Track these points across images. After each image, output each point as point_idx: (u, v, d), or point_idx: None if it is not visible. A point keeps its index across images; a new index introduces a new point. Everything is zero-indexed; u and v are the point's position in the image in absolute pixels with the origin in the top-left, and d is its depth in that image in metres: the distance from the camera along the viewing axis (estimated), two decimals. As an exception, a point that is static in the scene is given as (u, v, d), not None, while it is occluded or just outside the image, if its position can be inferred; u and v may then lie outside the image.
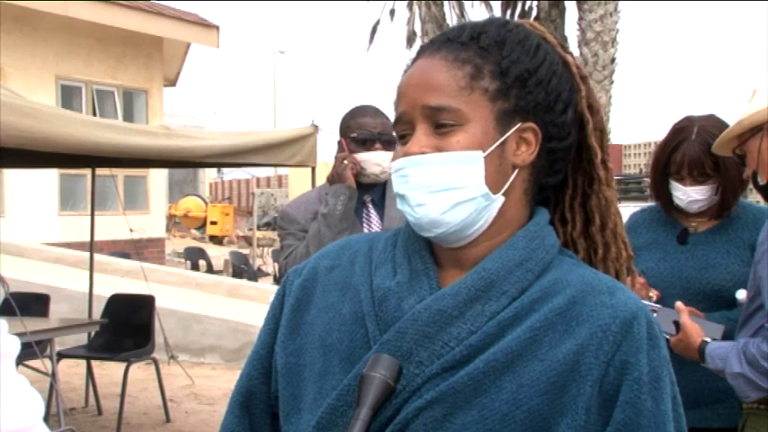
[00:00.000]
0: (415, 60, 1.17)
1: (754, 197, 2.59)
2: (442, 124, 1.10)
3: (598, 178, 1.20)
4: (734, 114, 2.42)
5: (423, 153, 1.11)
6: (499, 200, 1.12)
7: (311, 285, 1.21)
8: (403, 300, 1.11)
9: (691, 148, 2.60)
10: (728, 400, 2.45)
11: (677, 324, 2.42)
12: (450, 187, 1.10)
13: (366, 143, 2.93)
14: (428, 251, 1.15)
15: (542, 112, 1.14)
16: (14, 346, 0.94)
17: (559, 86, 1.16)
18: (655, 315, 2.47)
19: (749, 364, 2.16)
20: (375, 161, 2.90)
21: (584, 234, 1.21)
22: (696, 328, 2.39)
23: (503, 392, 1.04)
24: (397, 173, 1.13)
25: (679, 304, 2.46)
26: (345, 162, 2.91)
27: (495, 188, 1.11)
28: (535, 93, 1.13)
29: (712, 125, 2.58)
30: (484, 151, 1.10)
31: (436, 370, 1.06)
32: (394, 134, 1.20)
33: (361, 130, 2.94)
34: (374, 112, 2.99)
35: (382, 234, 1.24)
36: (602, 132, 1.21)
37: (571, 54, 1.22)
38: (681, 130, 2.66)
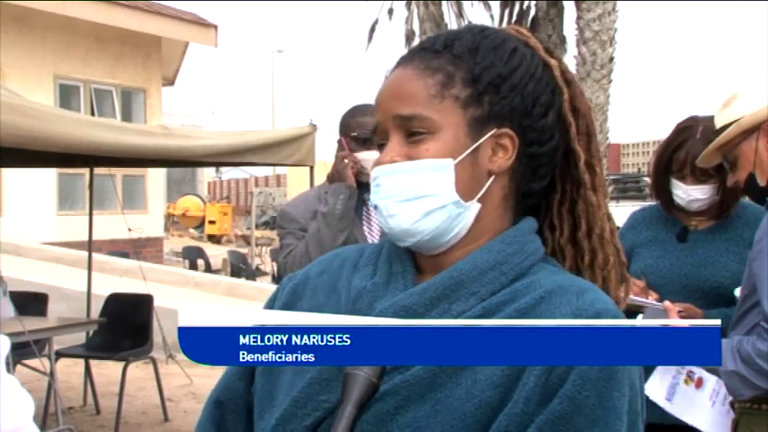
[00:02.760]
0: (392, 71, 1.18)
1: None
2: (413, 132, 1.11)
3: (583, 182, 1.18)
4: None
5: (393, 162, 1.12)
6: (474, 207, 1.12)
7: (301, 289, 1.23)
8: (377, 299, 1.12)
9: (695, 147, 2.60)
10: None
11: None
12: (419, 195, 1.10)
13: (366, 142, 2.92)
14: (409, 257, 1.16)
15: (519, 116, 1.13)
16: (4, 345, 0.93)
17: (537, 90, 1.14)
18: (641, 315, 2.46)
19: (744, 362, 2.16)
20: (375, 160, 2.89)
21: (572, 240, 1.18)
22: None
23: (458, 388, 1.03)
24: (373, 182, 1.14)
25: (667, 303, 2.46)
26: (346, 161, 2.91)
27: (467, 195, 1.11)
28: (510, 98, 1.12)
29: None
30: (455, 159, 1.10)
31: None
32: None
33: (361, 129, 2.93)
34: (374, 111, 2.98)
35: (374, 244, 1.26)
36: (590, 136, 1.19)
37: (557, 58, 1.20)
38: (685, 129, 2.67)
